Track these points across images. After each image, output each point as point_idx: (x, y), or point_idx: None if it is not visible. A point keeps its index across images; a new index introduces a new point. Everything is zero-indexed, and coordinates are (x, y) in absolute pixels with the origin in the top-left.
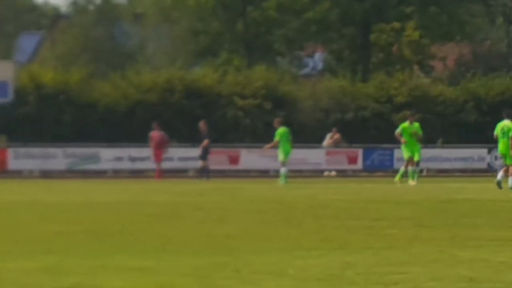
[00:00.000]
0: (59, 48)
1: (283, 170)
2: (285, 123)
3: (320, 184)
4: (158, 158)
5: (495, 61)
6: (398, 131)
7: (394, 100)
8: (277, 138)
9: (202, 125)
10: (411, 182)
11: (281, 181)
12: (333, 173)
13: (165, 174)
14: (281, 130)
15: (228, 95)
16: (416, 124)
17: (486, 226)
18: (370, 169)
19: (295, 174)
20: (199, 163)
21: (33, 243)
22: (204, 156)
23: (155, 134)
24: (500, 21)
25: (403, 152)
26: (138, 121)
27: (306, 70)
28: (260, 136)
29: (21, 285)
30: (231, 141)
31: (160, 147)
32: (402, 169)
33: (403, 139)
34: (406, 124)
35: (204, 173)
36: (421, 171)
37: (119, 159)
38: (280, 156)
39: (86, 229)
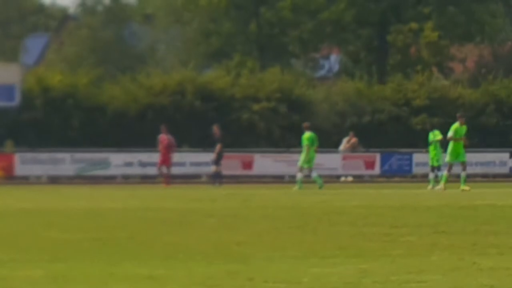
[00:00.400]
0: (67, 50)
1: (299, 175)
2: (311, 128)
3: (336, 190)
4: (167, 162)
5: None
6: (450, 134)
7: (412, 103)
8: (305, 143)
9: (215, 129)
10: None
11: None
12: (350, 178)
13: (173, 180)
14: (307, 135)
15: (242, 98)
16: (465, 127)
17: (507, 233)
18: (388, 174)
19: (310, 179)
20: (212, 168)
21: (40, 251)
22: (217, 161)
23: (163, 137)
24: None
25: (449, 155)
26: (149, 125)
27: (322, 72)
28: (275, 140)
29: None
30: (245, 145)
31: (169, 151)
32: (445, 173)
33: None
34: (457, 125)
35: (216, 178)
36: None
37: (129, 164)
38: (302, 161)
39: (95, 236)
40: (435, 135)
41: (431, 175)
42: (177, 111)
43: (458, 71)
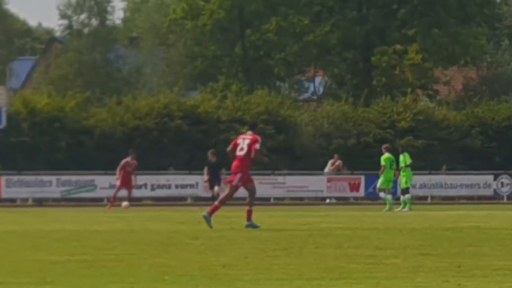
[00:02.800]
0: (53, 73)
1: (382, 195)
2: (391, 150)
3: (321, 212)
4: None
5: (501, 85)
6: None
7: (397, 125)
8: (383, 163)
9: (211, 155)
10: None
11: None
12: (333, 200)
13: (159, 202)
14: (386, 156)
15: (228, 120)
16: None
17: (492, 255)
18: (373, 197)
19: (295, 201)
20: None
21: (27, 273)
22: (219, 183)
23: (133, 161)
24: (506, 44)
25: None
26: (135, 148)
27: (306, 95)
28: (262, 163)
29: None
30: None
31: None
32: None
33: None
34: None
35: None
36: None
37: (115, 186)
38: (381, 182)
39: (81, 258)
40: (406, 159)
41: (403, 197)
42: (163, 134)
43: (444, 93)
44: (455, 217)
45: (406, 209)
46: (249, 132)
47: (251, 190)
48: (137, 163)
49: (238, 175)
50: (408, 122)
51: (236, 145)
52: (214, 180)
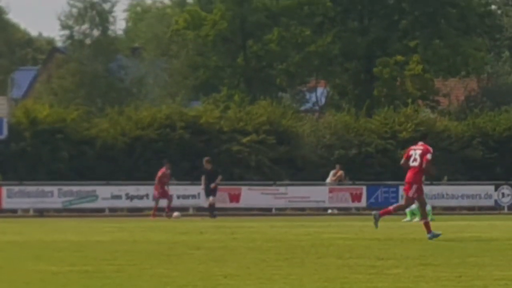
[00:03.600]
0: (55, 83)
1: (414, 206)
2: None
3: (323, 222)
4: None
5: (502, 96)
6: None
7: (399, 136)
8: None
9: (206, 162)
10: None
11: (415, 218)
12: (335, 211)
13: (160, 213)
14: None
15: (230, 130)
16: None
17: (493, 265)
18: (374, 207)
19: (297, 212)
20: (210, 200)
21: (28, 284)
22: (215, 193)
23: (168, 171)
24: (506, 55)
25: None
26: (137, 158)
27: (308, 105)
28: (264, 172)
29: None
30: (234, 177)
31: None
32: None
33: None
34: None
35: (214, 210)
36: None
37: (116, 197)
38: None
39: (82, 269)
40: None
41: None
42: (165, 144)
43: (446, 104)
44: (456, 227)
45: (416, 219)
46: (420, 143)
47: (422, 203)
48: (171, 172)
49: (414, 187)
50: (410, 132)
51: (408, 157)
52: (209, 188)
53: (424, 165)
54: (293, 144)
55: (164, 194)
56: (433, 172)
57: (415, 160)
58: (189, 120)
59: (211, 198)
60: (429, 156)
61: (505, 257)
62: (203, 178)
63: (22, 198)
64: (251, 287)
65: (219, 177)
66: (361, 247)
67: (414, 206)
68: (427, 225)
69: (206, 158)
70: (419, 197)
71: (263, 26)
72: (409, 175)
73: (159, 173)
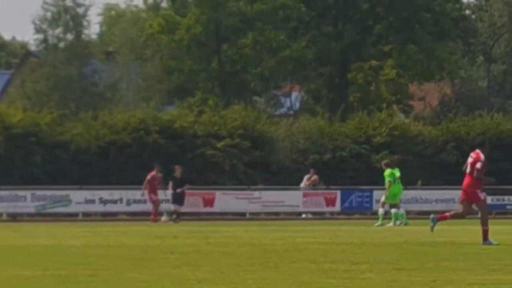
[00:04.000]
0: (29, 87)
1: (393, 211)
2: (391, 165)
3: (297, 227)
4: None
5: (476, 101)
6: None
7: (373, 141)
8: (388, 179)
9: (178, 170)
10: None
11: (392, 222)
12: (309, 215)
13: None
14: (388, 172)
15: (205, 135)
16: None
17: (466, 270)
18: (349, 211)
19: (271, 216)
20: (174, 207)
21: None
22: (181, 201)
23: (158, 174)
24: (481, 60)
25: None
26: (111, 162)
27: (283, 110)
28: (239, 177)
29: None
30: (209, 182)
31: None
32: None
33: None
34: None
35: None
36: None
37: (90, 201)
38: (386, 197)
39: (56, 273)
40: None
41: (393, 211)
42: (139, 149)
43: (420, 108)
44: (430, 232)
45: (398, 223)
46: (476, 151)
47: (481, 210)
48: (162, 175)
49: (479, 193)
50: (384, 137)
51: (466, 163)
52: (176, 195)
53: (475, 174)
54: (268, 149)
55: (151, 199)
56: (487, 181)
57: (468, 167)
58: (163, 124)
59: (176, 205)
60: (478, 165)
61: (479, 262)
62: (171, 184)
63: None
64: None
65: (186, 185)
66: (335, 251)
67: (402, 211)
68: (486, 232)
69: (179, 166)
70: (477, 205)
71: (237, 30)
72: (464, 182)
73: (148, 177)
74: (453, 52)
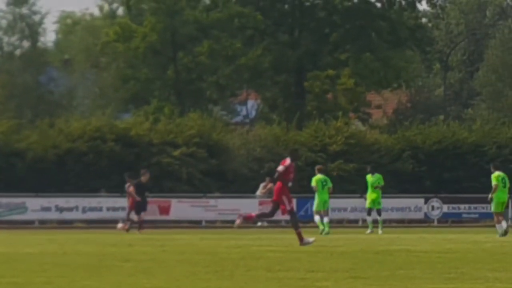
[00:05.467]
0: None
1: (317, 218)
2: (324, 171)
3: (253, 235)
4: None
5: (432, 109)
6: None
7: (329, 149)
8: (313, 183)
9: (144, 175)
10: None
11: (324, 229)
12: (265, 223)
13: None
14: (316, 177)
15: (160, 143)
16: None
17: (422, 278)
18: (305, 220)
19: (227, 224)
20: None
21: None
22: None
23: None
24: (437, 68)
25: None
26: (67, 170)
27: (239, 118)
28: (195, 185)
29: None
30: (165, 190)
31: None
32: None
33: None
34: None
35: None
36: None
37: (46, 209)
38: (316, 205)
39: (12, 281)
40: (380, 180)
41: (370, 219)
42: (96, 157)
43: (378, 116)
44: (386, 240)
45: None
46: (287, 158)
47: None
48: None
49: (284, 199)
50: (340, 145)
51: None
52: (143, 202)
53: (276, 175)
54: (224, 157)
55: (132, 206)
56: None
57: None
58: (119, 132)
59: (142, 214)
60: (280, 168)
61: (434, 270)
62: (133, 189)
63: None
64: None
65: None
66: (291, 259)
67: (317, 219)
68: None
69: (145, 170)
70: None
71: (193, 38)
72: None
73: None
74: (410, 61)
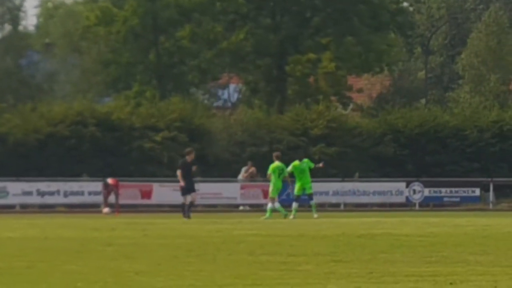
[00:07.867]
0: None
1: (270, 205)
2: (280, 158)
3: (234, 219)
4: None
5: (414, 93)
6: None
7: (310, 133)
8: (269, 171)
9: (191, 153)
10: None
11: (266, 215)
12: (246, 207)
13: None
14: (273, 165)
15: (142, 127)
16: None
17: (403, 262)
18: (286, 203)
19: (209, 208)
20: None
21: None
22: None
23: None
24: (419, 52)
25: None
26: (49, 155)
27: (220, 102)
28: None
29: None
30: (147, 174)
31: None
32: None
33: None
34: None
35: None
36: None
37: (27, 193)
38: (272, 191)
39: None
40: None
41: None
42: (77, 141)
43: (360, 100)
44: (368, 224)
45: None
46: None
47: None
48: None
49: None
50: (321, 129)
51: None
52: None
53: None
54: (205, 141)
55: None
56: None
57: None
58: (100, 116)
59: (193, 194)
60: None
61: (415, 254)
62: (180, 172)
63: None
64: (162, 284)
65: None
66: (272, 243)
67: (277, 205)
68: None
69: (191, 149)
70: None
71: (175, 22)
72: None
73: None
74: (391, 44)
